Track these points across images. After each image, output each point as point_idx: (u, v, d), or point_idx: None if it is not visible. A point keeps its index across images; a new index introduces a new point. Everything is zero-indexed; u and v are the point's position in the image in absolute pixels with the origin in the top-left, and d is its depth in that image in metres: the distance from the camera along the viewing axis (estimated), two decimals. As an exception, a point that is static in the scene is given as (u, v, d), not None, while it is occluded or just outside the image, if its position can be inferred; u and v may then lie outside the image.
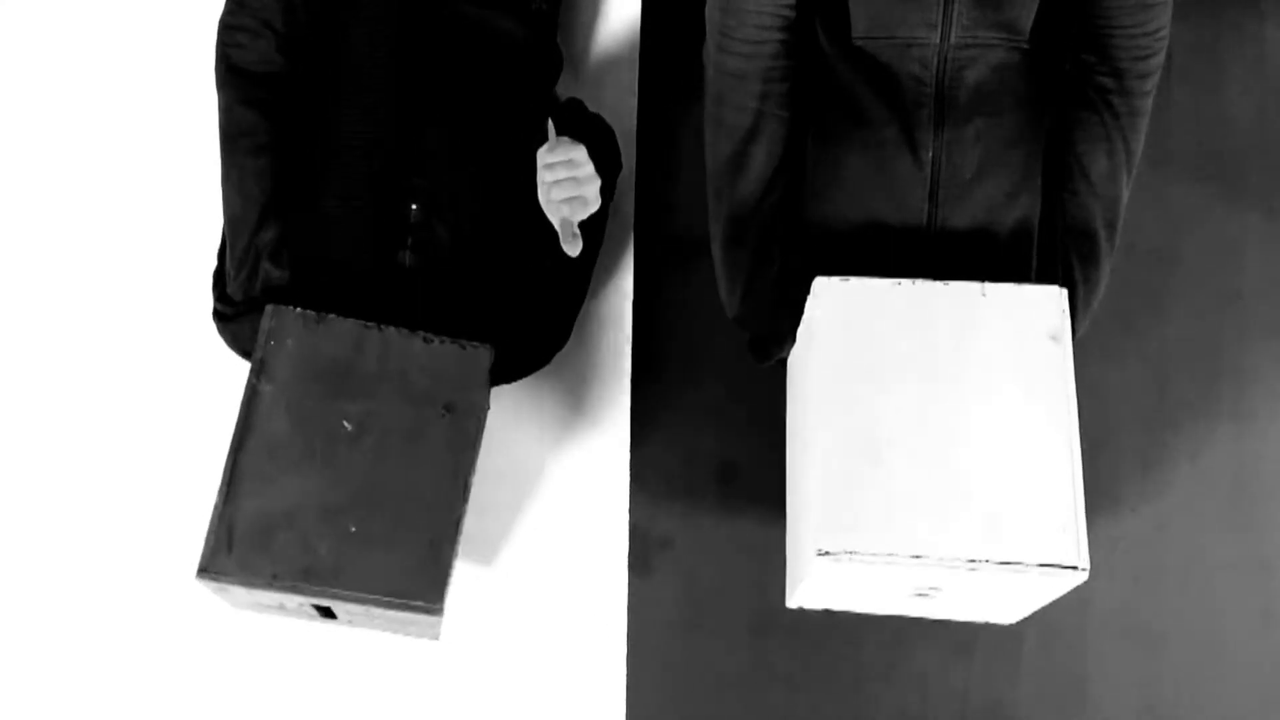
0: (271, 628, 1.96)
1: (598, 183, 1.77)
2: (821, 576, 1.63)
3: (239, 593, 1.69)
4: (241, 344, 1.89)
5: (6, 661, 2.03)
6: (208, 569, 1.64)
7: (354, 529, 1.67)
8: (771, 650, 2.12)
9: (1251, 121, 2.25)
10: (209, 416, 1.99)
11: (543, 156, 1.77)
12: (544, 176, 1.76)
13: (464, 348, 1.77)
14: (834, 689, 2.12)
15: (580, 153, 1.75)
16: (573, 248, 1.74)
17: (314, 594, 1.66)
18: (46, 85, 2.23)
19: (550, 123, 1.80)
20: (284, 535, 1.66)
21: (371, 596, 1.65)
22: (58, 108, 2.22)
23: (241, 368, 1.89)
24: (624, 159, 2.15)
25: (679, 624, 2.13)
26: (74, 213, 2.17)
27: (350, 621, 1.80)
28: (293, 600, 1.70)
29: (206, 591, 1.71)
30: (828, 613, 1.93)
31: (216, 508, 1.66)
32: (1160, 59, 1.86)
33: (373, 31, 1.89)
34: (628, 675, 2.07)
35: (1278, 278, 2.20)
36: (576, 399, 2.13)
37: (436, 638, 1.87)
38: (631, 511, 2.12)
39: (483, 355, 1.78)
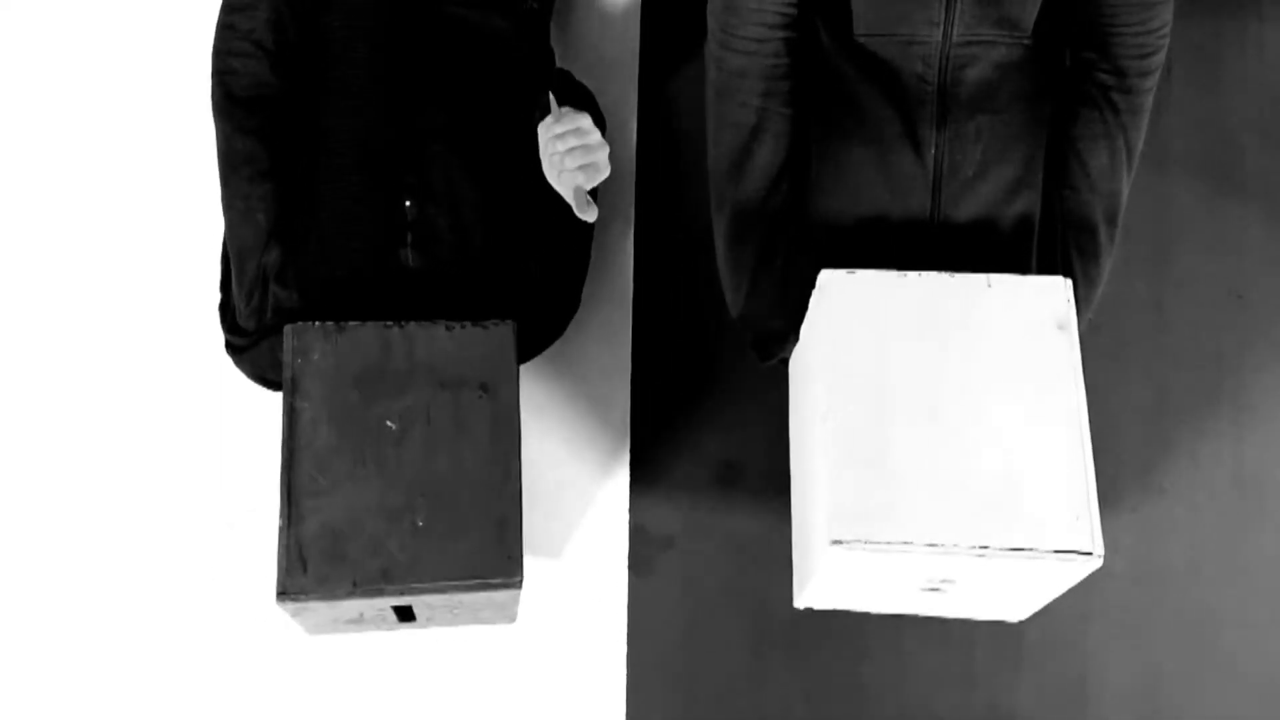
0: (269, 627, 1.97)
1: (607, 149, 1.78)
2: (833, 568, 1.62)
3: (319, 610, 1.69)
4: (260, 371, 1.90)
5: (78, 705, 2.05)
6: (286, 591, 1.64)
7: (420, 523, 1.68)
8: (772, 650, 2.11)
9: (1251, 121, 2.25)
10: (245, 447, 2.02)
11: (548, 128, 1.77)
12: (555, 147, 1.76)
13: (486, 327, 1.78)
14: (835, 689, 2.11)
15: (586, 120, 1.75)
16: (589, 214, 1.74)
17: (395, 594, 1.67)
18: (46, 101, 2.24)
19: (551, 95, 1.81)
20: (354, 543, 1.66)
21: (452, 583, 1.67)
22: (58, 123, 2.24)
23: (262, 394, 1.93)
24: (624, 158, 2.16)
25: (679, 624, 2.12)
26: (91, 220, 2.20)
27: (429, 620, 1.82)
28: (373, 607, 1.71)
29: (284, 616, 1.72)
30: (829, 612, 1.93)
31: (281, 530, 1.66)
32: (1162, 56, 1.86)
33: (356, 35, 1.89)
34: (628, 675, 2.07)
35: (1278, 278, 2.21)
36: (577, 399, 2.13)
37: (514, 619, 1.89)
38: (631, 511, 2.12)
39: (506, 331, 1.79)
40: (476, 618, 1.84)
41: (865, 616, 1.93)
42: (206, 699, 2.04)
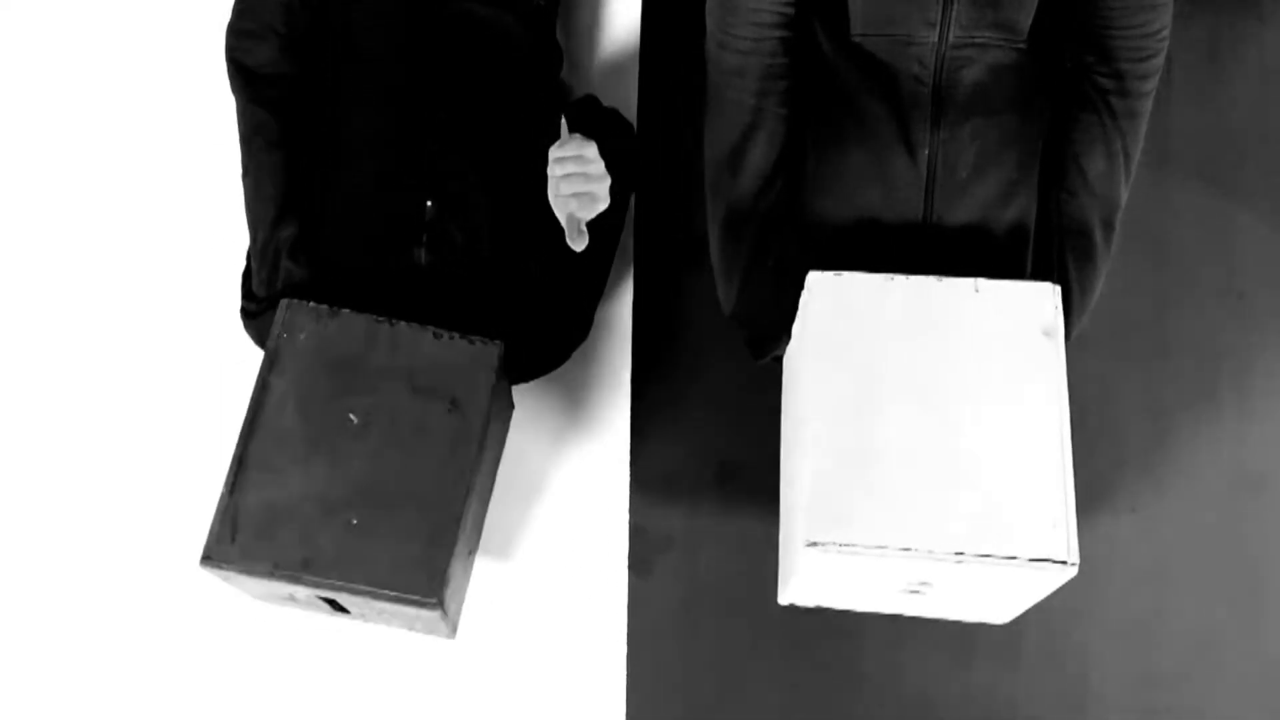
0: (269, 620, 1.97)
1: (608, 181, 1.78)
2: (811, 570, 1.62)
3: (245, 581, 1.70)
4: (265, 340, 1.90)
5: (8, 652, 2.04)
6: (211, 557, 1.66)
7: (355, 521, 1.68)
8: (772, 650, 2.12)
9: (1251, 121, 2.25)
10: (226, 409, 2.01)
11: (553, 152, 1.78)
12: (553, 171, 1.77)
13: (474, 343, 1.78)
14: (834, 689, 2.11)
15: (591, 150, 1.75)
16: (578, 244, 1.74)
17: (314, 585, 1.67)
18: (66, 85, 2.24)
19: (563, 119, 1.81)
20: (286, 526, 1.67)
21: (368, 589, 1.66)
22: (80, 106, 2.24)
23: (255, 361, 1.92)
24: (624, 158, 2.16)
25: (679, 624, 2.12)
26: (90, 210, 2.19)
27: (363, 616, 1.82)
28: (300, 591, 1.71)
29: (218, 581, 1.73)
30: (827, 612, 1.93)
31: (222, 497, 1.68)
32: (1161, 60, 1.86)
33: (375, 30, 1.91)
34: (628, 675, 2.08)
35: (1278, 277, 2.20)
36: (577, 399, 2.13)
37: (450, 636, 1.88)
38: (631, 511, 2.12)
39: (492, 351, 1.78)
40: (409, 625, 1.83)
41: (864, 616, 1.93)
42: (206, 697, 2.05)
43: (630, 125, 2.06)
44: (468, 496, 1.72)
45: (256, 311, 1.91)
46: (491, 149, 1.91)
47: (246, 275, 1.95)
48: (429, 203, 1.85)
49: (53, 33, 2.26)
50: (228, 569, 1.66)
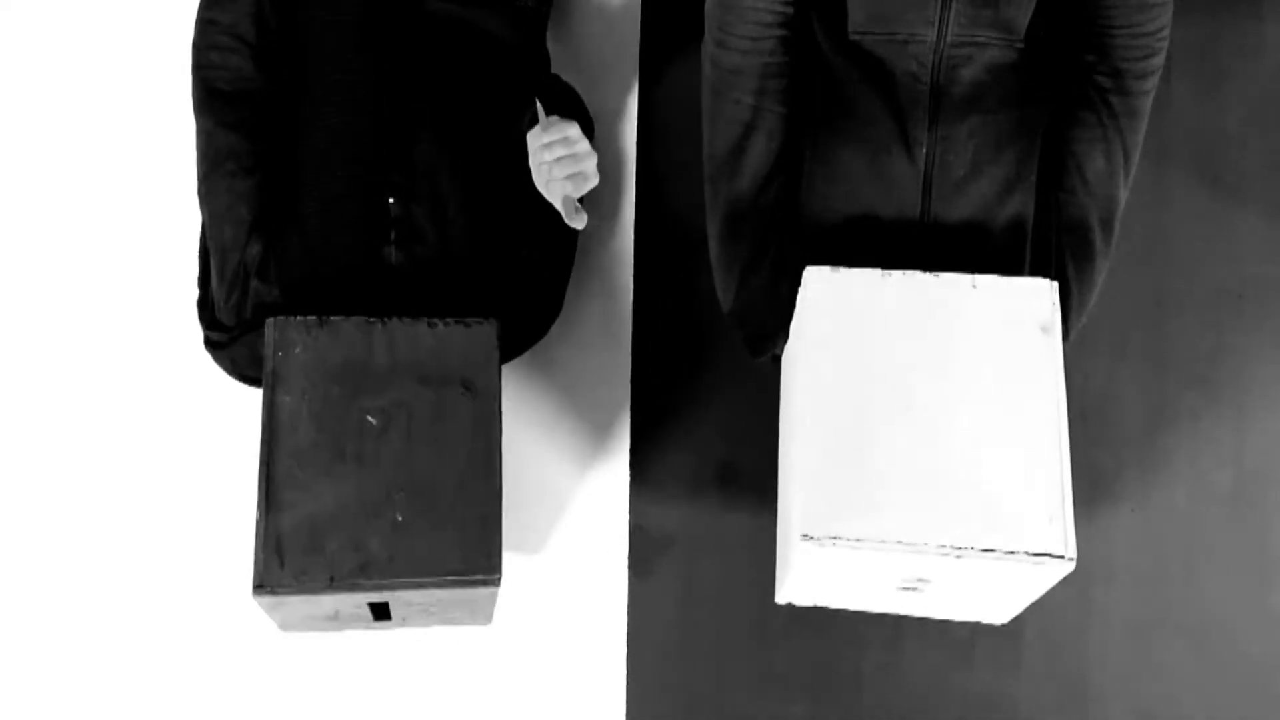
0: (266, 626, 1.98)
1: (595, 158, 1.79)
2: (806, 564, 1.62)
3: (295, 605, 1.68)
4: (240, 369, 1.90)
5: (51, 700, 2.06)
6: (263, 584, 1.63)
7: (400, 519, 1.68)
8: (771, 650, 2.12)
9: (1251, 121, 2.24)
10: (221, 443, 2.02)
11: (536, 138, 1.79)
12: (542, 157, 1.78)
13: (469, 325, 1.78)
14: (834, 689, 2.11)
15: (574, 130, 1.77)
16: (578, 222, 1.76)
17: (373, 588, 1.66)
18: (64, 85, 2.24)
19: (539, 104, 1.81)
20: (333, 538, 1.65)
21: (431, 579, 1.66)
22: (78, 104, 2.23)
23: (240, 390, 1.93)
24: (624, 159, 2.16)
25: (679, 624, 2.13)
26: (87, 221, 2.19)
27: (404, 619, 1.81)
28: (349, 603, 1.70)
29: (259, 611, 1.72)
30: (828, 612, 1.93)
31: (259, 523, 1.65)
32: (1160, 59, 1.85)
33: (341, 33, 1.88)
34: (628, 675, 2.08)
35: (1278, 278, 2.20)
36: (576, 399, 2.14)
37: (489, 620, 1.88)
38: (631, 511, 2.12)
39: (489, 330, 1.79)
40: (451, 618, 1.83)
41: (864, 616, 1.93)
42: (210, 698, 2.05)
43: (580, 97, 2.06)
44: (501, 471, 1.73)
45: (225, 341, 1.89)
46: (465, 142, 1.90)
47: (203, 304, 1.93)
48: (390, 199, 1.84)
49: (51, 32, 2.27)
50: (283, 593, 1.63)
